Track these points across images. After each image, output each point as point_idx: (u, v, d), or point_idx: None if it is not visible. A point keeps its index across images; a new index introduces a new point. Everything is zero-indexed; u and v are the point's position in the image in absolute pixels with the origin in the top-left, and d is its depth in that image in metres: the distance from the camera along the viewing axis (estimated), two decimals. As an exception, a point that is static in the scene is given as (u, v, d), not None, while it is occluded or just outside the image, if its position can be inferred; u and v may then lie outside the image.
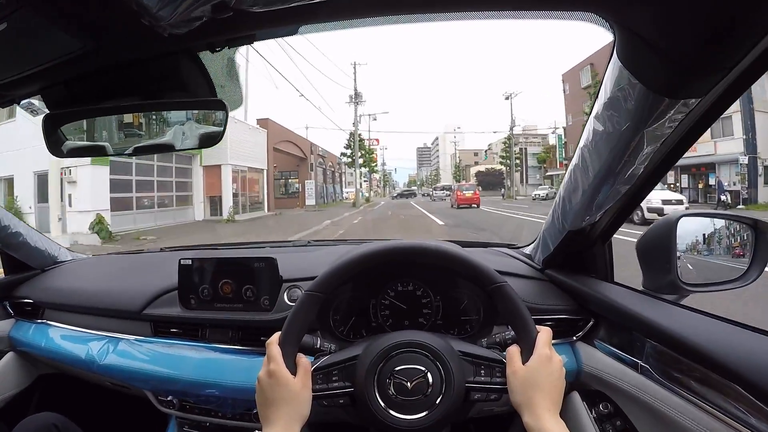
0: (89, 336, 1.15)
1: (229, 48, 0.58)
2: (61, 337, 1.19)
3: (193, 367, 1.01)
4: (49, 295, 1.26)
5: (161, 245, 1.82)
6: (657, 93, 0.53)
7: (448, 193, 36.64)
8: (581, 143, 0.73)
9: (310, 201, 23.60)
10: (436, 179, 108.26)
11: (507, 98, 37.67)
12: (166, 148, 0.74)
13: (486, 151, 53.47)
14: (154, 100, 0.66)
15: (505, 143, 40.91)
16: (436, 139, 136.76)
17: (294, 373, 0.67)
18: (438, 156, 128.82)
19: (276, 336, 0.69)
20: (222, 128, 0.67)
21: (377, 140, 51.75)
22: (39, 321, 1.26)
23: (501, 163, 42.45)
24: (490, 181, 54.48)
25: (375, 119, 41.78)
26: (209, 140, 0.71)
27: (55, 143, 0.74)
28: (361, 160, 31.76)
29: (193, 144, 0.72)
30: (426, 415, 0.67)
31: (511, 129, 38.16)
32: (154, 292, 1.09)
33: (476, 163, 78.27)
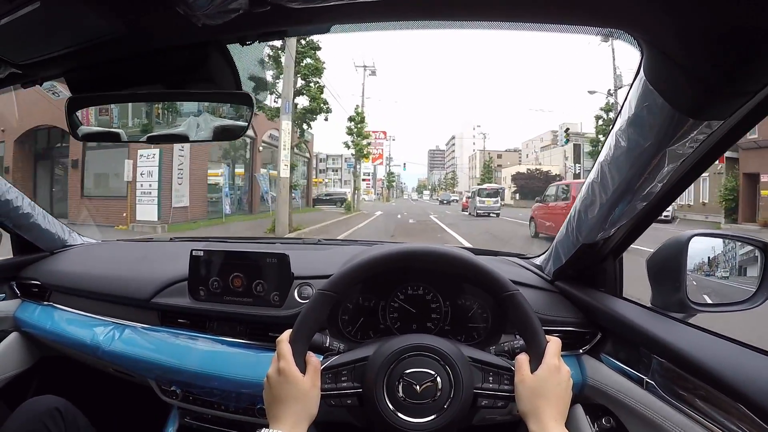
0: (95, 321, 1.15)
1: (259, 42, 0.58)
2: (67, 321, 1.19)
3: (199, 358, 1.01)
4: (57, 277, 1.26)
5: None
6: (682, 113, 0.54)
7: (500, 203, 21.00)
8: (601, 158, 0.73)
9: (149, 212, 10.29)
10: (452, 182, 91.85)
11: (605, 41, 17.59)
12: (181, 139, 0.74)
13: (566, 132, 31.97)
14: (179, 89, 0.66)
15: (599, 117, 21.84)
16: (452, 138, 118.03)
17: (303, 371, 0.67)
18: (455, 158, 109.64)
19: (287, 333, 0.70)
20: (246, 123, 0.67)
21: (384, 132, 41.38)
22: (45, 303, 1.26)
23: (592, 153, 21.90)
24: (534, 187, 34.69)
25: (373, 73, 28.15)
26: (228, 133, 0.70)
27: (73, 126, 0.74)
28: (301, 97, 11.48)
29: (208, 136, 0.72)
30: (434, 419, 0.67)
31: (615, 92, 20.39)
32: (164, 281, 1.09)
33: (500, 167, 63.86)
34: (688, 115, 0.54)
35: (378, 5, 0.49)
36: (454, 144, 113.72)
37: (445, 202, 42.77)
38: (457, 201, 40.75)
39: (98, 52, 0.61)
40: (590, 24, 0.51)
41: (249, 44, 0.58)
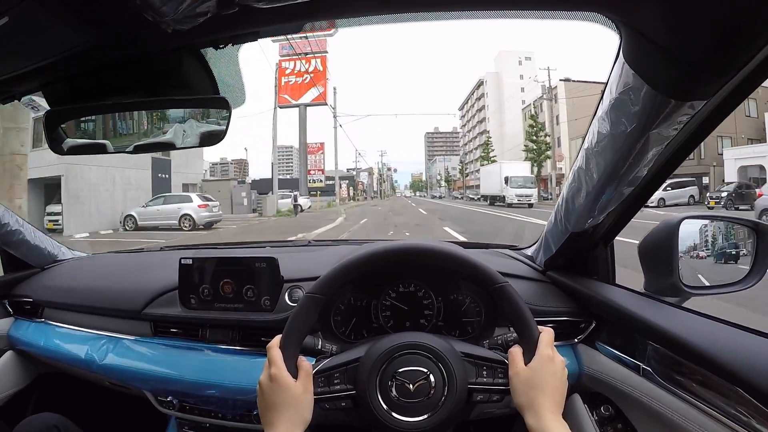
0: (89, 335, 1.15)
1: (233, 45, 0.57)
2: (61, 337, 1.18)
3: (193, 367, 1.00)
4: (49, 293, 1.25)
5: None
6: (663, 95, 0.53)
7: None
8: (585, 145, 0.73)
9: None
10: (541, 150, 32.24)
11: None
12: (167, 146, 0.73)
13: None
14: (157, 97, 0.66)
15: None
16: (479, 86, 70.89)
17: (295, 376, 0.66)
18: (486, 118, 66.33)
19: (277, 339, 0.69)
20: (225, 127, 0.66)
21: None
22: (38, 320, 1.25)
23: None
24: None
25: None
26: (211, 138, 0.70)
27: (56, 141, 0.73)
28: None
29: (194, 142, 0.72)
30: (428, 417, 0.67)
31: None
32: (154, 291, 1.09)
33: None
34: (670, 96, 0.53)
35: (348, 0, 0.48)
36: (483, 95, 69.04)
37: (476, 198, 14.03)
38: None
39: (73, 63, 0.60)
40: (567, 8, 0.51)
41: (222, 47, 0.57)
